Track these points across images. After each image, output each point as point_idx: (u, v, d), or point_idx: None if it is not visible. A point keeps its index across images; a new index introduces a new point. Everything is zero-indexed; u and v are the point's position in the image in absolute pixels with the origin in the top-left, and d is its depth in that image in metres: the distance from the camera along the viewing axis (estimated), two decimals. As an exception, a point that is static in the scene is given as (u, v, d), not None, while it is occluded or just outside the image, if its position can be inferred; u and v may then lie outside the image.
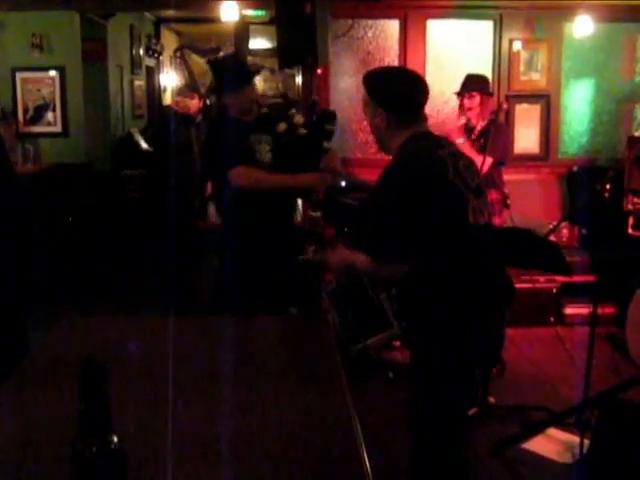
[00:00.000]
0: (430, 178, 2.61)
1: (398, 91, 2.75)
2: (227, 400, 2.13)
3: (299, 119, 4.22)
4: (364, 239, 2.69)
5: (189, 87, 7.08)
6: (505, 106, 5.64)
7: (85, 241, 6.99)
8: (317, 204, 4.79)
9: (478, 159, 4.45)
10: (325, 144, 4.06)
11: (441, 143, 2.77)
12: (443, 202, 2.60)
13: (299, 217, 5.63)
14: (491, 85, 5.35)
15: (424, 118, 2.80)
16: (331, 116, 4.17)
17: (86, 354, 1.34)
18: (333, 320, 4.68)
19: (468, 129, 5.19)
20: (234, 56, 6.12)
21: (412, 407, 2.82)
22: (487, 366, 2.84)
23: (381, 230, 2.64)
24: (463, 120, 5.22)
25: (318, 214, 5.12)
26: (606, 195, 4.36)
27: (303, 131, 4.20)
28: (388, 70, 3.02)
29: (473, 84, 5.14)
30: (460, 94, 5.19)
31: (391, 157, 2.75)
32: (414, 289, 2.68)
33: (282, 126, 4.17)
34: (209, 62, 4.61)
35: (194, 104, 6.26)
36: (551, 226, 4.59)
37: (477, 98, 5.10)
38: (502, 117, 5.73)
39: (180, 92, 6.66)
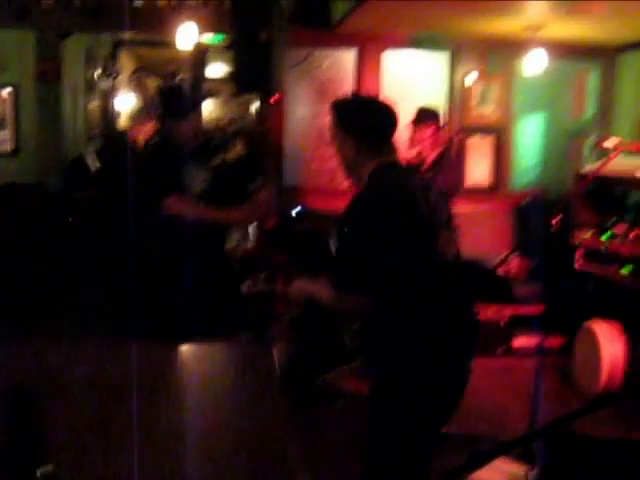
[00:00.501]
0: (400, 210, 2.57)
1: (368, 120, 2.71)
2: (161, 424, 2.11)
3: (234, 154, 4.27)
4: (328, 269, 2.66)
5: (143, 112, 7.04)
6: (458, 138, 5.72)
7: (33, 263, 6.85)
8: (269, 233, 4.82)
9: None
10: (256, 181, 4.13)
11: (410, 174, 2.78)
12: (413, 235, 2.56)
13: (249, 244, 5.63)
14: (441, 117, 5.41)
15: (393, 148, 2.76)
16: (263, 154, 4.25)
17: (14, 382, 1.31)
18: (288, 350, 4.68)
19: (419, 161, 5.24)
20: (180, 84, 6.14)
21: (368, 439, 2.75)
22: (451, 404, 2.75)
23: (347, 262, 2.60)
24: (414, 152, 5.27)
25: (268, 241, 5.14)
26: (555, 228, 4.42)
27: (238, 165, 4.26)
28: (358, 98, 2.98)
29: (425, 116, 5.21)
30: (412, 126, 5.25)
31: (358, 187, 2.70)
32: (380, 322, 2.63)
33: (218, 159, 4.21)
34: (158, 89, 4.63)
35: (146, 130, 6.20)
36: (499, 258, 4.64)
37: (429, 130, 5.16)
38: (454, 150, 5.81)
39: (134, 117, 6.62)
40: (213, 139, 5.40)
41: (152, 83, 13.20)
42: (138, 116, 6.44)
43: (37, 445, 1.31)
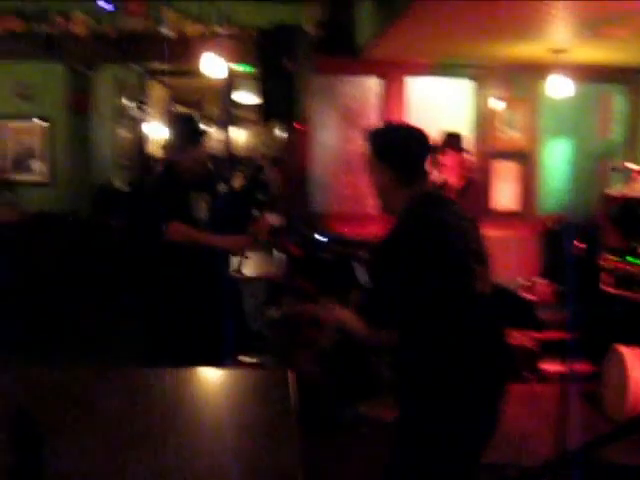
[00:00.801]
0: (435, 246, 2.53)
1: (405, 149, 2.70)
2: (173, 450, 2.13)
3: (237, 183, 4.39)
4: (361, 303, 2.65)
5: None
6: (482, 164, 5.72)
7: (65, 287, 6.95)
8: (296, 259, 4.88)
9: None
10: (254, 212, 4.25)
11: (446, 204, 2.72)
12: (447, 271, 2.52)
13: (276, 270, 5.68)
14: (466, 143, 5.42)
15: (426, 174, 2.75)
16: (263, 186, 4.37)
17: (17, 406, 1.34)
18: (318, 379, 4.70)
19: (447, 187, 5.24)
20: (188, 116, 6.35)
21: (392, 473, 2.72)
22: (481, 446, 2.71)
23: (380, 296, 2.59)
24: (440, 178, 5.27)
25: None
26: (580, 252, 4.40)
27: (239, 194, 4.39)
28: (393, 127, 2.96)
29: (454, 142, 5.20)
30: (437, 152, 5.25)
31: (392, 218, 2.68)
32: (412, 358, 2.60)
33: (221, 187, 4.38)
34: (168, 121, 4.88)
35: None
36: (525, 283, 4.62)
37: (457, 156, 5.16)
38: (478, 175, 5.83)
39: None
40: (223, 166, 5.53)
41: (184, 113, 13.40)
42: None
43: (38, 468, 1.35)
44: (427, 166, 2.73)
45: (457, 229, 2.62)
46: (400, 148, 2.71)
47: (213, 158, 7.73)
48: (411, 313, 2.52)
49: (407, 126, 2.90)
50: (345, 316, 2.78)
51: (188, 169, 4.26)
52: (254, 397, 2.76)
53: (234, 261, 4.78)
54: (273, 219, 4.79)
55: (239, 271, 4.77)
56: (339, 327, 2.91)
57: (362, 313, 2.62)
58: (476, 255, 2.62)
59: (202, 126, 4.50)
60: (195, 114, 9.20)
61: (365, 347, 4.60)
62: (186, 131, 4.35)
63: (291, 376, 2.75)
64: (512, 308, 3.83)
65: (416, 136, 2.75)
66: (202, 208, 4.30)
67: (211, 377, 3.08)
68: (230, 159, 8.59)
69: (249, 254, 4.94)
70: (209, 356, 4.14)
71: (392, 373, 4.15)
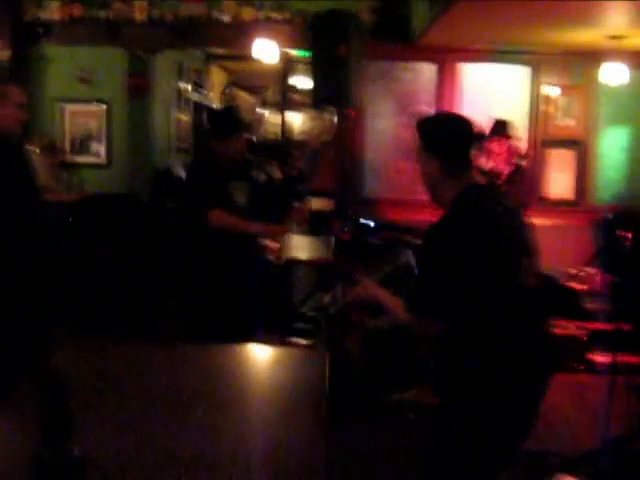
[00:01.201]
0: (484, 237, 2.55)
1: (452, 139, 2.71)
2: (200, 423, 2.22)
3: (277, 173, 4.53)
4: (399, 282, 2.67)
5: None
6: (528, 154, 5.65)
7: (122, 269, 7.11)
8: (344, 243, 4.92)
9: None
10: (295, 203, 4.39)
11: (495, 197, 2.74)
12: (494, 262, 2.53)
13: (330, 255, 5.72)
14: (517, 130, 5.38)
15: (472, 165, 2.76)
16: (301, 179, 4.49)
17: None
18: (360, 363, 4.74)
19: (494, 174, 5.23)
20: (228, 108, 6.50)
21: (429, 461, 2.74)
22: (519, 437, 2.71)
23: (425, 285, 2.61)
24: (490, 165, 5.26)
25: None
26: (630, 243, 4.33)
27: (278, 184, 4.53)
28: (442, 117, 2.95)
29: (502, 129, 5.19)
30: (489, 139, 5.24)
31: (441, 208, 2.69)
32: (456, 347, 2.61)
33: (261, 176, 4.64)
34: (208, 112, 5.04)
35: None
36: (575, 272, 4.58)
37: (505, 143, 5.15)
38: (526, 162, 5.78)
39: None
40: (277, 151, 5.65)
41: (243, 97, 13.50)
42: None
43: (68, 427, 1.44)
44: (473, 156, 2.73)
45: (505, 220, 2.62)
46: (447, 138, 2.71)
47: (262, 143, 7.82)
48: (456, 303, 2.53)
49: (455, 115, 2.91)
50: (384, 297, 2.81)
51: (229, 159, 4.42)
52: (285, 375, 2.82)
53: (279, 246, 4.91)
54: (322, 204, 4.86)
55: (279, 257, 4.89)
56: (371, 301, 2.94)
57: (407, 299, 2.64)
58: (523, 246, 2.63)
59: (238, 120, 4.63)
60: (235, 105, 9.29)
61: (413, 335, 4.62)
62: (227, 122, 4.51)
63: (327, 357, 2.79)
64: (556, 298, 3.79)
65: (463, 126, 2.75)
66: (241, 196, 4.47)
67: (243, 353, 3.15)
68: (286, 143, 8.67)
69: (298, 239, 5.05)
70: (240, 335, 4.29)
71: (435, 361, 4.18)
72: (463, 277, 2.50)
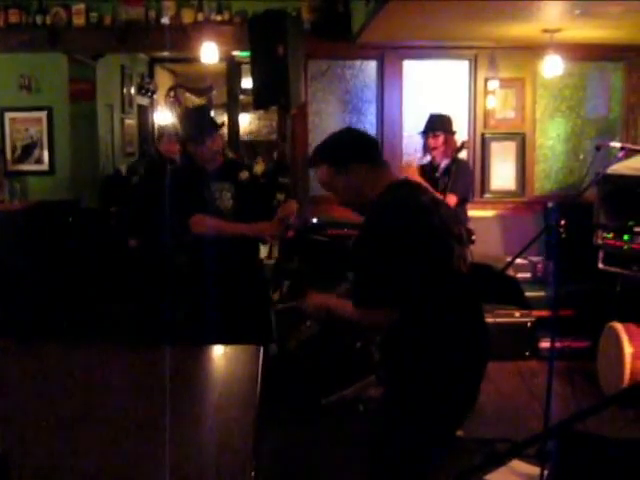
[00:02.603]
0: (416, 226, 2.61)
1: (357, 141, 2.83)
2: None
3: (259, 169, 4.41)
4: (343, 278, 2.69)
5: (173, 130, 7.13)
6: (467, 145, 5.74)
7: (70, 275, 7.05)
8: (288, 241, 4.93)
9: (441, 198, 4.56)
10: (278, 196, 4.25)
11: (422, 190, 2.79)
12: (429, 251, 2.59)
13: (275, 253, 5.74)
14: (453, 124, 5.46)
15: (389, 165, 2.86)
16: (284, 169, 4.38)
17: None
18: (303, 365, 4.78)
19: (432, 167, 5.32)
20: (201, 108, 6.35)
21: (375, 447, 2.79)
22: (462, 413, 2.77)
23: (366, 279, 2.64)
24: (427, 159, 5.35)
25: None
26: (564, 231, 4.43)
27: (262, 181, 4.38)
28: (335, 134, 3.05)
29: (437, 124, 5.27)
30: (425, 133, 5.32)
31: (371, 205, 2.73)
32: (399, 337, 2.66)
33: (244, 175, 4.37)
34: (180, 115, 4.87)
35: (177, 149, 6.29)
36: (510, 260, 4.65)
37: (441, 137, 5.24)
38: (465, 155, 5.87)
39: (165, 136, 6.69)
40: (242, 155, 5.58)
41: (189, 99, 13.46)
42: (169, 136, 6.52)
43: None
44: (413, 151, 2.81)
45: (432, 209, 2.68)
46: (353, 142, 2.82)
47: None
48: (396, 294, 2.57)
49: (342, 129, 3.00)
50: (334, 304, 2.85)
51: (207, 160, 4.31)
52: (220, 374, 2.85)
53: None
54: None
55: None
56: (324, 314, 2.93)
57: (352, 296, 2.68)
58: (453, 234, 2.68)
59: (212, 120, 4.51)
60: (206, 104, 9.23)
61: (348, 333, 4.67)
62: (201, 123, 4.38)
63: (261, 355, 2.80)
64: (500, 286, 3.87)
65: (357, 131, 2.94)
66: (226, 198, 4.33)
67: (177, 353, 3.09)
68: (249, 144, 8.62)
69: None
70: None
71: (379, 353, 4.22)
72: (396, 263, 2.55)
